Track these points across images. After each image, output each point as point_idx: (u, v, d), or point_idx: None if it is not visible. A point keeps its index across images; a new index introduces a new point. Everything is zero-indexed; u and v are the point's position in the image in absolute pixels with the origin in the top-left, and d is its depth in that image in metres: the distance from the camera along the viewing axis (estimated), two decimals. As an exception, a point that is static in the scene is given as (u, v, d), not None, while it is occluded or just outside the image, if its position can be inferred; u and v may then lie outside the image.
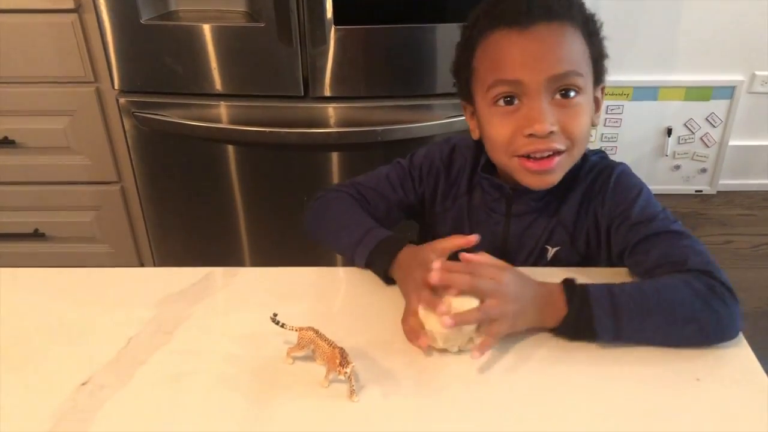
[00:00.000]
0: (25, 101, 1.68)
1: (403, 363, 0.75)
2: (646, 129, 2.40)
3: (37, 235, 1.89)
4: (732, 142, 2.41)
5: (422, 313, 0.76)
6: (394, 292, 0.86)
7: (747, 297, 1.94)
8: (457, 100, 1.57)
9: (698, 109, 2.35)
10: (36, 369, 0.76)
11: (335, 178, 1.68)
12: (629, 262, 0.87)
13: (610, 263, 0.92)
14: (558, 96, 0.84)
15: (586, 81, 0.85)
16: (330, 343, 0.73)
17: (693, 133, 2.40)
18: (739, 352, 0.76)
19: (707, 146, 2.42)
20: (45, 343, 0.80)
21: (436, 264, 0.75)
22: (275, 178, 1.68)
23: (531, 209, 0.94)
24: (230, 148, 1.66)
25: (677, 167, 2.46)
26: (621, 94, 2.33)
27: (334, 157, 1.65)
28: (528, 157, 0.85)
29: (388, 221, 1.00)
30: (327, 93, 1.57)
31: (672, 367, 0.74)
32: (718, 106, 2.34)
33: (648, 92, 2.32)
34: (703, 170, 2.47)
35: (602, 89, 0.92)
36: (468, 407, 0.70)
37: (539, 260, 0.96)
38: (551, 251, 0.95)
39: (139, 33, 1.52)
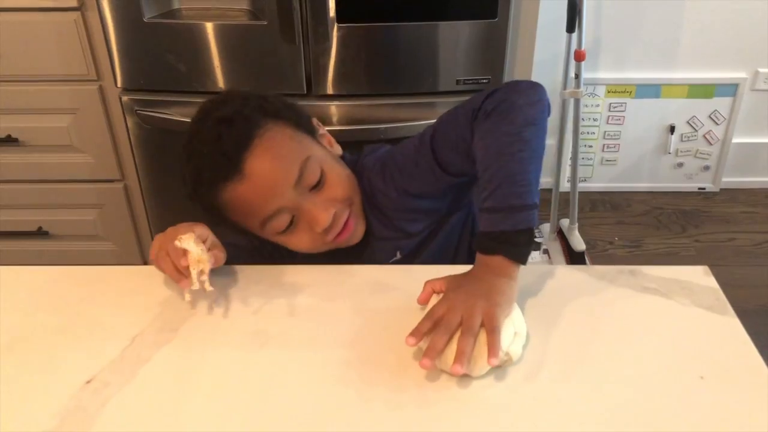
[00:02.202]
0: (28, 99, 1.69)
1: (406, 361, 0.75)
2: (649, 126, 2.39)
3: (40, 233, 1.89)
4: (735, 140, 2.40)
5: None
6: (401, 288, 0.86)
7: (750, 294, 1.94)
8: (458, 98, 1.59)
9: (701, 107, 2.35)
10: (40, 367, 0.76)
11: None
12: (455, 173, 0.92)
13: (439, 206, 0.98)
14: (309, 187, 0.89)
15: (314, 152, 0.90)
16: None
17: (696, 131, 2.40)
18: (743, 350, 0.76)
19: (710, 144, 2.42)
20: (49, 342, 0.80)
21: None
22: (278, 176, 1.68)
23: (351, 248, 0.97)
24: (233, 146, 1.66)
25: (680, 165, 2.46)
26: (624, 92, 2.33)
27: (337, 155, 1.65)
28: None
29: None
30: (330, 91, 1.57)
31: (676, 365, 0.74)
32: (721, 104, 2.34)
33: (651, 90, 2.32)
34: (706, 168, 2.46)
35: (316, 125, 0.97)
36: (468, 405, 0.70)
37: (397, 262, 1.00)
38: (399, 256, 1.00)
39: (142, 31, 1.52)
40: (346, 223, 0.92)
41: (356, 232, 0.95)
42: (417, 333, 0.73)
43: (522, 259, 0.78)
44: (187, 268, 0.80)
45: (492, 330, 0.71)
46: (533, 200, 0.79)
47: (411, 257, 1.00)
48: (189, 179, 0.91)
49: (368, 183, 0.98)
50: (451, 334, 0.72)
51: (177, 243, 0.80)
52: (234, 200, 0.88)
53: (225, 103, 0.91)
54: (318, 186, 0.90)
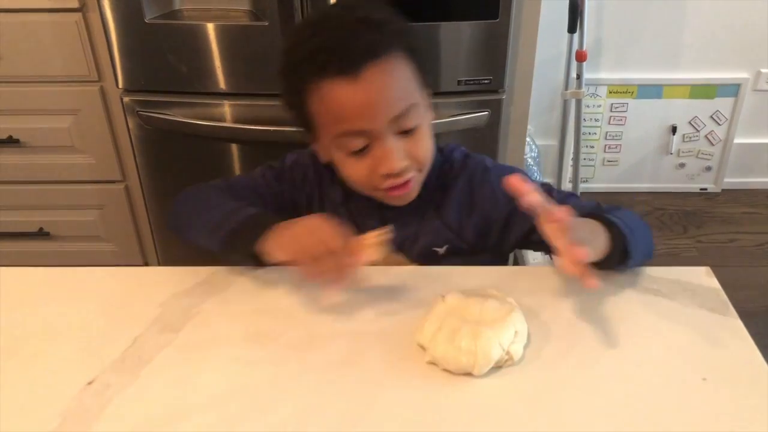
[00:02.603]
0: (30, 100, 1.69)
1: (406, 361, 0.75)
2: (650, 127, 2.39)
3: (41, 234, 1.89)
4: (737, 140, 2.40)
5: (427, 335, 0.75)
6: (403, 290, 0.86)
7: (752, 295, 1.94)
8: (459, 99, 1.59)
9: (703, 107, 2.35)
10: (42, 368, 0.76)
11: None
12: (524, 242, 0.94)
13: (501, 246, 0.98)
14: (401, 130, 0.86)
15: (420, 104, 0.88)
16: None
17: (698, 131, 2.39)
18: (746, 352, 0.76)
19: (712, 144, 2.41)
20: (50, 343, 0.80)
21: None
22: (279, 177, 1.68)
23: (404, 214, 0.96)
24: (234, 147, 1.66)
25: (682, 165, 2.46)
26: (625, 92, 2.32)
27: (338, 155, 1.65)
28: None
29: None
30: (331, 91, 1.57)
31: (678, 367, 0.74)
32: (723, 104, 2.34)
33: (652, 90, 2.32)
34: (708, 168, 2.46)
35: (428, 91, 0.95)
36: (468, 405, 0.70)
37: (431, 259, 0.97)
38: (441, 250, 0.98)
39: (143, 32, 1.52)
40: (406, 182, 0.89)
41: (408, 196, 0.92)
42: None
43: (608, 256, 0.79)
44: (352, 266, 0.78)
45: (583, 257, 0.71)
46: (634, 254, 0.82)
47: (450, 257, 0.98)
48: (300, 51, 0.85)
49: (482, 176, 0.98)
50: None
51: (367, 240, 0.79)
52: (330, 97, 0.84)
53: (379, 9, 0.87)
54: (407, 134, 0.87)
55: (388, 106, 0.84)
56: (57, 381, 0.74)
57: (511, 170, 0.99)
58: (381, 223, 0.97)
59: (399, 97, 0.84)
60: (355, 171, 0.89)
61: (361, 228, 0.99)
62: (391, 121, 0.84)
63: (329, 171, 0.99)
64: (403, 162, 0.86)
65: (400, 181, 0.88)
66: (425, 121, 0.89)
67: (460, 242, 0.98)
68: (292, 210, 1.01)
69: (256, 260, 0.85)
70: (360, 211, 0.98)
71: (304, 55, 0.84)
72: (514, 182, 0.71)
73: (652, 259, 0.90)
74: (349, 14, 0.85)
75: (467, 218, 0.97)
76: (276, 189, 1.01)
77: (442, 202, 0.97)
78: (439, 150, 0.99)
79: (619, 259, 0.82)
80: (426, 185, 0.94)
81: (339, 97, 0.83)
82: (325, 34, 0.84)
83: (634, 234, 0.83)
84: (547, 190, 0.96)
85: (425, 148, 0.90)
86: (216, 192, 0.97)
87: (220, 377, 0.74)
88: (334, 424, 0.68)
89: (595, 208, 0.92)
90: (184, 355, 0.77)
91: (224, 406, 0.70)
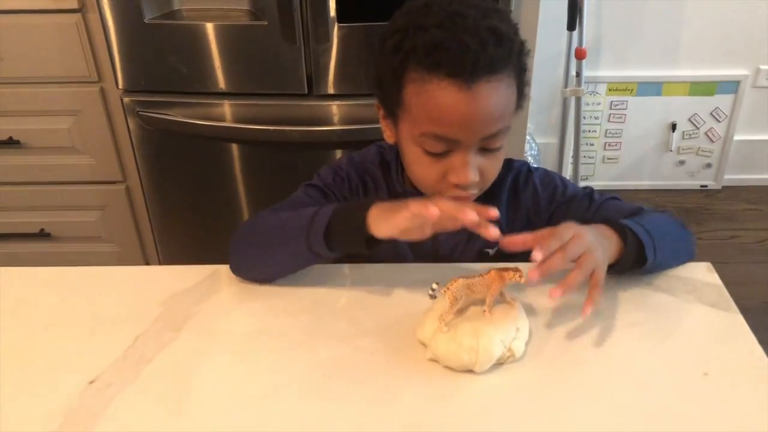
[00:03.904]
0: (30, 101, 1.69)
1: (407, 359, 0.75)
2: (650, 124, 2.39)
3: (42, 235, 1.89)
4: (737, 137, 2.40)
5: (428, 332, 0.75)
6: (402, 287, 0.86)
7: (753, 292, 1.94)
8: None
9: (703, 104, 2.35)
10: (43, 368, 0.76)
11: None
12: None
13: None
14: (484, 147, 0.84)
15: (510, 127, 0.86)
16: (482, 275, 0.75)
17: (698, 128, 2.39)
18: (747, 347, 0.76)
19: (712, 141, 2.41)
20: (52, 342, 0.80)
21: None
22: (279, 176, 1.68)
23: None
24: (234, 147, 1.66)
25: (682, 162, 2.46)
26: (625, 90, 2.33)
27: (338, 155, 1.65)
28: None
29: None
30: (330, 91, 1.57)
31: (679, 362, 0.74)
32: (723, 101, 2.34)
33: (652, 87, 2.32)
34: (708, 165, 2.46)
35: None
36: (471, 405, 0.70)
37: (482, 261, 0.96)
38: (492, 251, 0.98)
39: (143, 32, 1.53)
40: (467, 196, 0.87)
41: None
42: (541, 244, 0.74)
43: (620, 261, 0.81)
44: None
45: (596, 285, 0.75)
46: (653, 257, 0.83)
47: (499, 258, 0.96)
48: (420, 38, 0.80)
49: (525, 178, 0.99)
50: (568, 260, 0.74)
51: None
52: (434, 96, 0.79)
53: (507, 20, 0.83)
54: (487, 152, 0.84)
55: (486, 124, 0.81)
56: (58, 380, 0.74)
57: (552, 173, 1.00)
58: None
59: (498, 117, 0.81)
60: (424, 170, 0.86)
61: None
62: (482, 138, 0.82)
63: (371, 177, 0.99)
64: (475, 179, 0.84)
65: (464, 194, 0.86)
66: (505, 144, 0.87)
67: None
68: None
69: (361, 246, 0.81)
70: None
71: (422, 43, 0.79)
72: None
73: (693, 258, 0.92)
74: (480, 19, 0.80)
75: (514, 219, 0.98)
76: (341, 192, 0.98)
77: (491, 204, 0.96)
78: None
79: (635, 263, 0.82)
80: None
81: (444, 100, 0.79)
82: (451, 32, 0.78)
83: (658, 240, 0.83)
84: (588, 194, 0.96)
85: (496, 169, 0.88)
86: (273, 214, 0.92)
87: (220, 376, 0.74)
88: (336, 422, 0.68)
89: (635, 210, 0.93)
90: (185, 354, 0.77)
91: (225, 405, 0.70)
